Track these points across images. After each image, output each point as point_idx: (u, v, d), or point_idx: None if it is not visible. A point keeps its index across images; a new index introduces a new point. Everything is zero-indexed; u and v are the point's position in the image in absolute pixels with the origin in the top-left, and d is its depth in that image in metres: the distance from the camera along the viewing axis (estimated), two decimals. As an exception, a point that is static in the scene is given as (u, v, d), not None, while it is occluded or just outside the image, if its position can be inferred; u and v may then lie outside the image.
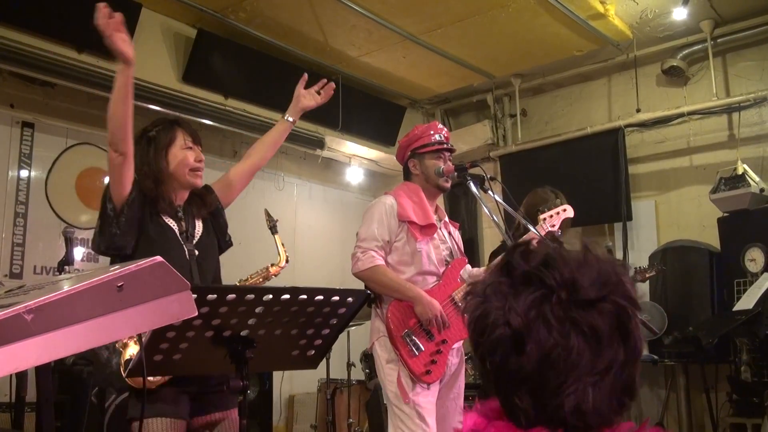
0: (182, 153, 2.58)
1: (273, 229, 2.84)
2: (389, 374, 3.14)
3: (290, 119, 2.93)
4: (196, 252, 2.56)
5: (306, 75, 2.98)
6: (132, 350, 2.34)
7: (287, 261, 2.80)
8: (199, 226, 2.64)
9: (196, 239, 2.60)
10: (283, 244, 2.82)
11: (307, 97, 2.94)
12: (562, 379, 0.96)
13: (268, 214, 2.89)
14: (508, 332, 0.98)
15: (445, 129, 3.53)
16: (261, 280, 2.75)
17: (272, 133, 2.94)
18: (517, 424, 1.00)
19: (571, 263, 1.00)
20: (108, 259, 2.56)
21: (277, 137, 2.93)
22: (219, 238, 2.72)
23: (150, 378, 2.26)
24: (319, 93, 2.97)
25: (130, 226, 2.45)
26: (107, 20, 2.33)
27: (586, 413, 0.95)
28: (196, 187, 2.64)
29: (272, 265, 2.78)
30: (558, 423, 0.97)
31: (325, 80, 2.99)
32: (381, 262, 3.20)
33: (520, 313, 0.98)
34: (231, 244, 2.80)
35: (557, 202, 3.96)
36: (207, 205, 2.67)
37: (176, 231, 2.56)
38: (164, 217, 2.55)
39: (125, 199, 2.45)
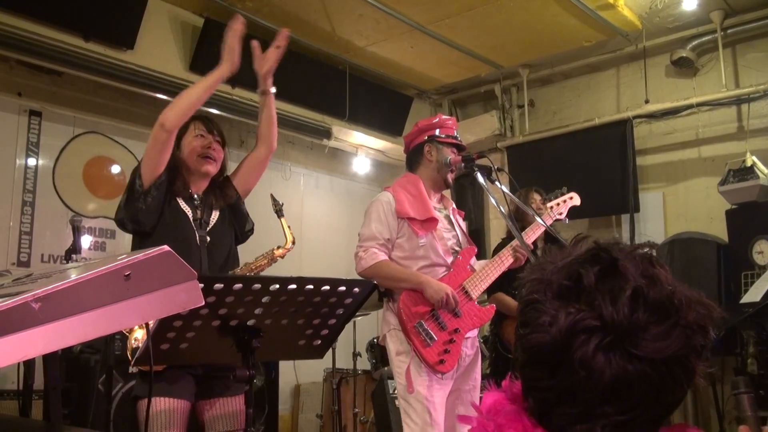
0: (192, 140, 2.70)
1: (279, 213, 2.90)
2: (399, 366, 3.14)
3: (265, 90, 2.90)
4: (208, 239, 2.64)
5: (255, 43, 2.85)
6: (138, 333, 2.39)
7: (293, 243, 2.84)
8: (215, 215, 2.72)
9: (210, 226, 2.68)
10: (289, 227, 2.87)
11: (263, 61, 2.87)
12: (576, 410, 0.91)
13: (273, 199, 2.95)
14: (546, 344, 0.92)
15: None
16: (266, 262, 2.81)
17: (263, 113, 2.94)
18: (530, 412, 0.98)
19: (642, 309, 0.90)
20: (114, 246, 2.60)
21: (268, 114, 2.92)
22: (237, 229, 2.80)
23: None
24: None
25: (156, 206, 2.56)
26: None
27: None
28: (208, 174, 2.72)
29: (278, 247, 2.83)
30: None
31: (286, 31, 2.91)
32: (383, 257, 3.21)
33: (563, 332, 0.91)
34: (251, 233, 2.87)
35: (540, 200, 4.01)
36: (226, 197, 2.77)
37: (190, 217, 2.64)
38: (180, 202, 2.65)
39: (155, 178, 2.56)
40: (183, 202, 2.66)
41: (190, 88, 2.64)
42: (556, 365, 0.92)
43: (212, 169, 2.72)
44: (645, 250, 0.98)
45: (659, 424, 0.94)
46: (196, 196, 2.70)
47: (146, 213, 2.54)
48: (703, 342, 0.93)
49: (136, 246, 2.62)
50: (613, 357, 0.89)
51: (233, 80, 5.58)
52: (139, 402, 2.41)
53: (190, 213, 2.65)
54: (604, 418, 0.90)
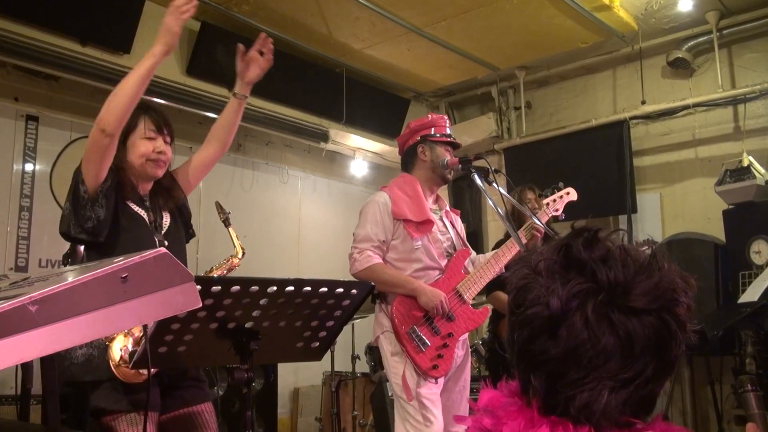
0: (140, 142, 2.47)
1: (226, 222, 2.75)
2: (394, 367, 3.14)
3: (239, 93, 2.74)
4: (166, 243, 2.47)
5: (242, 46, 2.69)
6: (119, 343, 2.25)
7: (243, 254, 2.73)
8: (166, 217, 2.56)
9: (164, 230, 2.53)
10: (237, 237, 2.75)
11: (251, 67, 2.70)
12: (582, 374, 0.95)
13: (219, 207, 2.79)
14: (545, 313, 0.97)
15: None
16: (225, 272, 2.68)
17: (226, 114, 2.75)
18: (528, 400, 1.00)
19: (631, 266, 0.97)
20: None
21: (232, 117, 2.74)
22: (184, 230, 2.65)
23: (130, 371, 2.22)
24: (262, 54, 2.71)
25: (107, 214, 2.36)
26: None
27: (594, 413, 0.94)
28: (156, 178, 2.53)
29: (232, 256, 2.73)
30: (564, 412, 0.96)
31: (263, 35, 2.73)
32: (378, 260, 3.19)
33: (562, 299, 0.96)
34: (194, 235, 2.71)
35: (533, 198, 3.98)
36: (174, 198, 2.59)
37: (146, 220, 2.48)
38: (132, 206, 2.47)
39: (100, 184, 2.35)
40: (135, 206, 2.47)
41: (125, 81, 2.30)
42: (556, 333, 0.96)
43: (161, 173, 2.52)
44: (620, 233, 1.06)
45: (661, 383, 0.99)
46: (145, 197, 2.52)
47: (98, 221, 2.33)
48: (687, 300, 0.99)
49: (91, 259, 2.40)
50: (611, 313, 0.95)
51: (230, 84, 5.58)
52: (104, 418, 2.27)
53: (145, 216, 2.48)
54: (609, 379, 0.94)
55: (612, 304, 0.95)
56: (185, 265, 2.50)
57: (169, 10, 2.31)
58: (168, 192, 2.58)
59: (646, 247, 1.04)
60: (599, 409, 0.94)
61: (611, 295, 0.95)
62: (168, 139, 2.53)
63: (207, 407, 2.49)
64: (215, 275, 2.65)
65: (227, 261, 2.71)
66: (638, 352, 0.95)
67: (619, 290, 0.95)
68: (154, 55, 2.31)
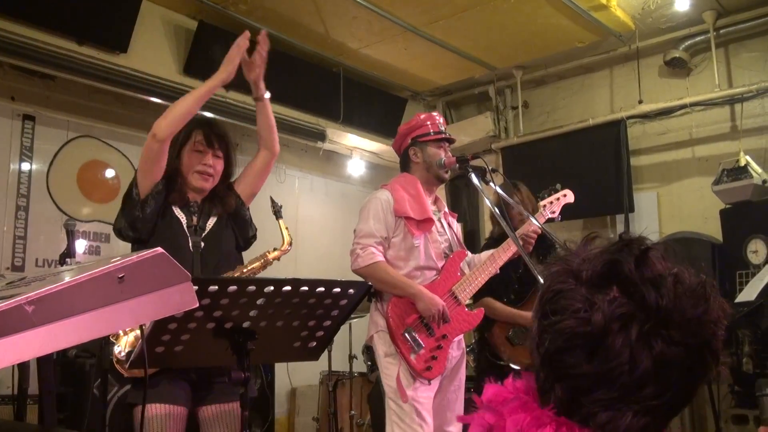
0: (190, 155, 2.67)
1: (277, 214, 2.84)
2: (387, 368, 3.12)
3: (258, 97, 2.85)
4: (202, 245, 2.61)
5: (235, 47, 2.76)
6: (124, 339, 2.36)
7: (290, 244, 2.78)
8: (212, 221, 2.69)
9: (206, 232, 2.65)
10: (287, 228, 2.82)
11: (251, 67, 2.82)
12: (612, 395, 0.93)
13: (272, 201, 2.91)
14: (585, 329, 0.94)
15: (443, 119, 3.53)
16: (259, 265, 2.72)
17: (258, 119, 2.90)
18: (544, 401, 0.98)
19: (681, 295, 0.95)
20: (108, 250, 2.58)
21: (262, 120, 2.88)
22: (238, 235, 2.77)
23: None
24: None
25: (153, 215, 2.56)
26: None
27: (614, 430, 0.93)
28: (204, 190, 2.69)
29: (273, 249, 2.76)
30: (583, 423, 0.94)
31: (247, 32, 2.82)
32: (381, 258, 3.17)
33: (606, 317, 0.93)
34: (254, 240, 2.85)
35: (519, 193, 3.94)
36: (225, 206, 2.73)
37: (183, 223, 2.62)
38: (174, 209, 2.63)
39: (153, 187, 2.57)
40: (178, 210, 2.64)
41: (184, 97, 2.62)
42: (593, 351, 0.94)
43: (208, 186, 2.69)
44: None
45: (682, 408, 0.97)
46: (193, 203, 2.68)
47: (144, 221, 2.54)
48: (723, 333, 0.97)
49: None
50: (654, 342, 0.92)
51: (228, 83, 5.59)
52: (135, 409, 2.38)
53: (184, 220, 2.63)
54: (637, 403, 0.92)
55: (656, 333, 0.92)
56: (221, 263, 2.64)
57: (234, 46, 2.65)
58: (221, 200, 2.74)
59: (699, 275, 1.02)
60: (620, 428, 0.92)
61: (656, 323, 0.92)
62: (219, 153, 2.72)
63: (234, 406, 2.51)
64: (245, 270, 2.69)
65: (262, 256, 2.75)
66: (671, 382, 0.93)
67: (664, 319, 0.93)
68: (214, 79, 2.61)
